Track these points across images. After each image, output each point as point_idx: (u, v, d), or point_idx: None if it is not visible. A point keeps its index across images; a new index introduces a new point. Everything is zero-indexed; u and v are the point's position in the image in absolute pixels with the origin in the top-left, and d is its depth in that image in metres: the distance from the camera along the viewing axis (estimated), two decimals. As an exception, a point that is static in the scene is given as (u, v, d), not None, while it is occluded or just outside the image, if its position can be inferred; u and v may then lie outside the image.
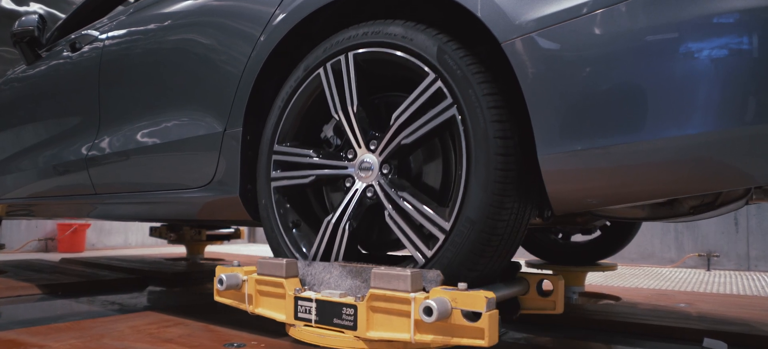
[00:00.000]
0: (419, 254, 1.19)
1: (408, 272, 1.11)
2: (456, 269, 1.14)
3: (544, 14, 1.02)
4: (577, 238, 2.71)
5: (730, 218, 4.72)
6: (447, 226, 1.15)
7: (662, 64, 0.91)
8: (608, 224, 2.54)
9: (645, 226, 4.91)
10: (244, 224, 2.04)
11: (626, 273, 4.21)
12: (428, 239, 1.20)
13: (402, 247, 1.46)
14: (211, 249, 5.96)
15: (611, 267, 2.54)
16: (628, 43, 0.94)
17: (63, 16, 2.94)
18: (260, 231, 8.42)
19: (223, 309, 1.90)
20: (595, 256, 2.60)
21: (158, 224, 4.20)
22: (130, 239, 6.77)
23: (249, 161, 1.58)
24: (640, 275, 4.08)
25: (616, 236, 2.57)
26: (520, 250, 2.26)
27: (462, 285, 1.07)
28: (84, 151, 2.16)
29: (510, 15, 1.06)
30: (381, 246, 1.51)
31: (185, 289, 2.76)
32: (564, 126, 1.00)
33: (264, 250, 6.77)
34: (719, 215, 1.67)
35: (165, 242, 4.31)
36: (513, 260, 1.32)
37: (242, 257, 4.76)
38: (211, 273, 3.26)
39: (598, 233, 2.62)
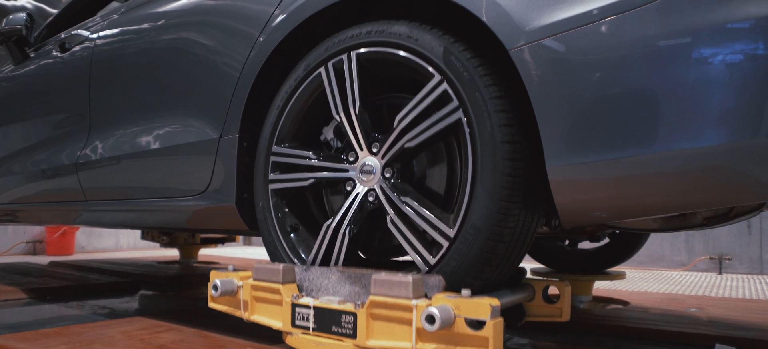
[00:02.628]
0: (422, 261, 1.20)
1: (409, 277, 1.11)
2: (460, 278, 1.14)
3: (553, 21, 1.02)
4: (585, 244, 2.71)
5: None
6: (451, 233, 1.15)
7: (675, 72, 0.91)
8: (617, 231, 2.54)
9: (654, 228, 4.91)
10: (238, 233, 2.05)
11: (635, 277, 4.21)
12: (431, 245, 1.20)
13: (404, 253, 1.46)
14: (205, 252, 5.96)
15: (620, 276, 2.54)
16: (639, 51, 0.94)
17: (53, 11, 2.94)
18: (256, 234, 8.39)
19: (217, 314, 1.91)
20: (603, 264, 2.59)
21: (150, 226, 4.18)
22: (121, 242, 6.77)
23: (245, 169, 1.57)
24: (650, 279, 4.09)
25: (626, 243, 2.57)
26: (525, 257, 2.26)
27: (465, 292, 1.08)
28: (74, 155, 2.16)
29: (517, 21, 1.06)
30: (382, 252, 1.51)
31: (178, 293, 2.76)
32: (574, 136, 1.00)
33: (260, 253, 6.77)
34: (732, 224, 1.68)
35: (157, 244, 4.30)
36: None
37: (237, 261, 4.76)
38: (205, 277, 3.27)
39: (606, 240, 2.62)
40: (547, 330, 1.92)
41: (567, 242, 2.70)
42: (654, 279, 4.12)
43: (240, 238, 8.33)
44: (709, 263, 4.85)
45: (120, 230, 6.74)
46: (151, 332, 1.64)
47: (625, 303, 2.53)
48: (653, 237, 5.05)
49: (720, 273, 4.71)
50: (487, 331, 1.02)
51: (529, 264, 2.61)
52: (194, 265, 4.03)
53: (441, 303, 1.06)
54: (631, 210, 1.02)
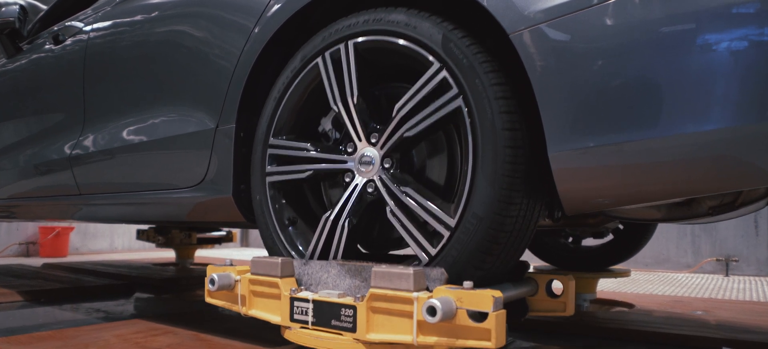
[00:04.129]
0: (423, 252, 1.19)
1: (410, 270, 1.10)
2: (461, 268, 1.13)
3: (555, 4, 1.02)
4: (589, 241, 2.71)
5: (750, 220, 4.72)
6: (452, 222, 1.14)
7: (678, 56, 0.91)
8: (621, 227, 2.54)
9: (660, 229, 4.92)
10: (236, 226, 2.04)
11: (640, 279, 4.21)
12: (432, 236, 1.20)
13: (404, 245, 1.46)
14: (202, 253, 5.95)
15: (624, 273, 2.54)
16: (643, 34, 0.94)
17: (44, 7, 2.94)
18: (253, 235, 8.41)
19: (214, 317, 1.90)
20: (607, 261, 2.59)
21: (146, 227, 4.19)
22: (116, 243, 6.77)
23: (242, 159, 1.57)
24: (655, 281, 4.08)
25: (630, 240, 2.56)
26: (528, 254, 2.26)
27: (467, 284, 1.07)
28: (68, 149, 2.16)
29: (518, 5, 1.06)
30: (382, 245, 1.51)
31: (174, 295, 2.75)
32: (575, 122, 1.00)
33: (258, 254, 6.75)
34: (739, 216, 1.67)
35: (153, 245, 4.29)
36: (520, 259, 1.31)
37: (235, 262, 4.74)
38: (202, 279, 3.26)
39: (610, 236, 2.62)
40: (551, 333, 1.91)
41: (570, 239, 2.70)
42: (659, 281, 4.11)
43: (237, 238, 8.34)
44: (715, 264, 4.84)
45: (114, 232, 6.73)
46: (147, 335, 1.64)
47: (630, 305, 2.53)
48: (658, 239, 5.04)
49: (727, 275, 4.70)
50: (489, 323, 1.02)
51: (532, 262, 2.61)
52: (191, 266, 4.02)
53: (442, 295, 1.06)
54: (635, 196, 1.01)
